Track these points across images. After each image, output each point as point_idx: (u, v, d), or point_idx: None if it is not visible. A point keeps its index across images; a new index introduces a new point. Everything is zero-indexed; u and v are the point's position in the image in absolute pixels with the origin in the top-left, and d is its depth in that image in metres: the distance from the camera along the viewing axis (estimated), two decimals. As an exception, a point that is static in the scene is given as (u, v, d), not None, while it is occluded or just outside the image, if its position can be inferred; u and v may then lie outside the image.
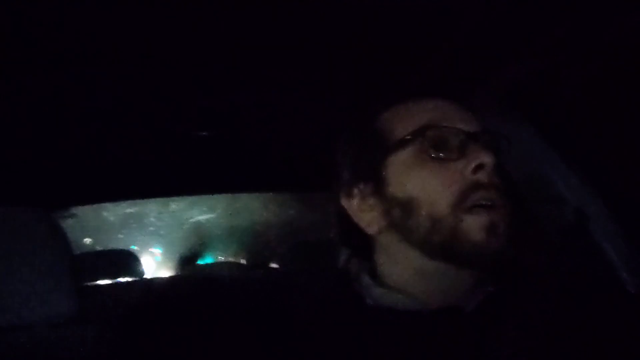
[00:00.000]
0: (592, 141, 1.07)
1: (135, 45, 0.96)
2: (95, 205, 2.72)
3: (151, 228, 3.36)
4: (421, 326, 0.68)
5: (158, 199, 2.98)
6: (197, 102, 1.27)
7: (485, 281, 0.71)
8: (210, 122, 1.42)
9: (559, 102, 1.09)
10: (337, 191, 0.78)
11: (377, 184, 0.74)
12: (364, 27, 0.93)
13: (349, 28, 0.93)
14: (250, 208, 3.29)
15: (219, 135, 1.53)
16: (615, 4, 0.83)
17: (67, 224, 2.02)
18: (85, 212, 2.74)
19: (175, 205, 3.27)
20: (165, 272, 3.69)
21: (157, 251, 3.59)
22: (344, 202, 0.77)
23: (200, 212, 3.37)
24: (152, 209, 3.22)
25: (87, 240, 3.03)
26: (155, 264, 3.63)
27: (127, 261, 2.30)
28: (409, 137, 0.72)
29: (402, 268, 0.73)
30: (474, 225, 0.66)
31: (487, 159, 0.68)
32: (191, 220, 3.38)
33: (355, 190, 0.76)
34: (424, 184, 0.69)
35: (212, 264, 3.41)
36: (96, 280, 2.11)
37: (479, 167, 0.68)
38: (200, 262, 3.46)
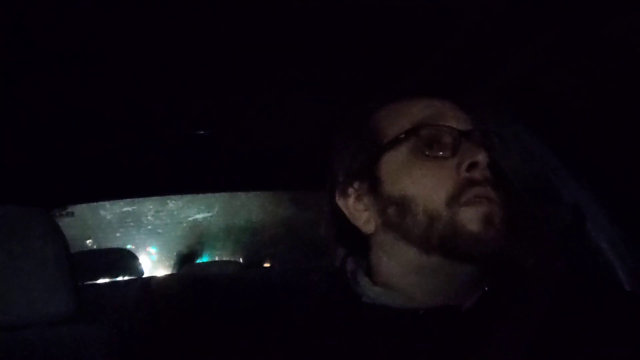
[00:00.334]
0: (591, 141, 1.07)
1: (133, 45, 0.96)
2: (93, 204, 2.72)
3: (149, 227, 3.36)
4: (418, 324, 0.68)
5: (155, 198, 2.98)
6: (195, 101, 1.27)
7: (483, 280, 0.71)
8: (208, 121, 1.42)
9: (558, 102, 1.10)
10: (333, 190, 0.79)
11: (371, 182, 0.74)
12: (362, 28, 0.93)
13: (347, 28, 0.93)
14: (248, 207, 3.29)
15: (216, 134, 1.53)
16: (615, 3, 0.84)
17: (65, 223, 2.02)
18: (83, 210, 2.74)
19: (173, 204, 3.27)
20: (163, 271, 3.69)
21: (155, 250, 3.59)
22: (339, 201, 0.77)
23: (198, 211, 3.37)
24: (149, 208, 3.22)
25: (89, 242, 3.03)
26: (152, 263, 3.63)
27: (125, 260, 2.30)
28: (402, 136, 0.72)
29: (398, 266, 0.73)
30: (470, 216, 0.67)
31: (480, 156, 0.68)
32: (189, 218, 3.38)
33: (350, 190, 0.76)
34: (419, 182, 0.70)
35: (209, 262, 3.41)
36: (94, 279, 2.11)
37: (473, 165, 0.68)
38: (197, 260, 3.46)
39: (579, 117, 1.08)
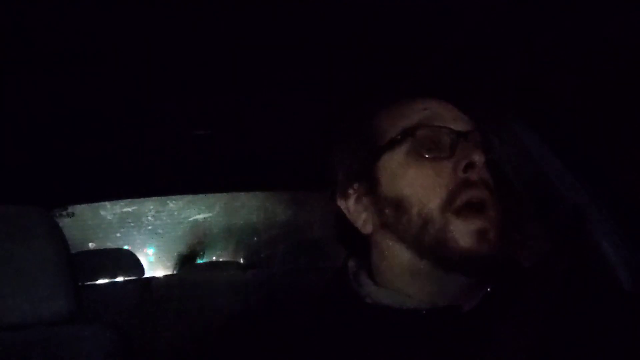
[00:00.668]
0: (591, 141, 1.07)
1: (133, 45, 0.96)
2: (93, 205, 2.72)
3: (149, 227, 3.36)
4: (419, 325, 0.68)
5: (156, 198, 2.98)
6: (195, 101, 1.27)
7: (484, 281, 0.71)
8: (208, 121, 1.42)
9: (558, 102, 1.10)
10: (333, 191, 0.79)
11: (370, 184, 0.74)
12: (362, 28, 0.93)
13: (347, 28, 0.93)
14: (248, 207, 3.29)
15: (217, 134, 1.53)
16: (615, 3, 0.84)
17: (65, 223, 2.02)
18: (83, 211, 2.74)
19: (173, 204, 3.27)
20: (163, 271, 3.69)
21: (155, 250, 3.59)
22: (340, 202, 0.78)
23: (198, 211, 3.37)
24: (149, 208, 3.22)
25: (91, 245, 3.03)
26: (153, 263, 3.63)
27: (126, 260, 2.30)
28: (399, 137, 0.72)
29: (396, 267, 0.73)
30: (462, 231, 0.66)
31: (477, 157, 0.68)
32: (189, 219, 3.38)
33: (350, 191, 0.77)
34: (415, 183, 0.70)
35: (209, 262, 3.41)
36: (94, 279, 2.11)
37: (469, 166, 0.68)
38: (198, 260, 3.46)
39: (579, 117, 1.08)
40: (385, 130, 0.74)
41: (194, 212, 3.36)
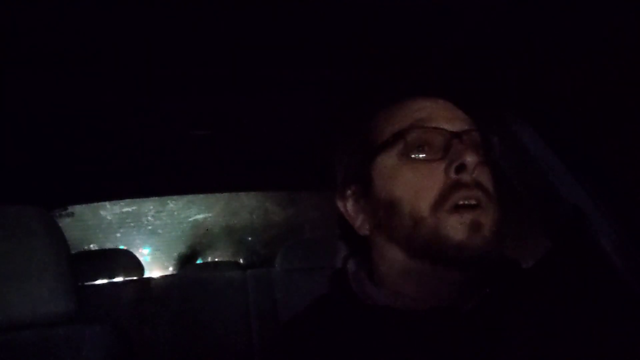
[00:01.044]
0: (591, 141, 1.07)
1: (133, 44, 0.96)
2: (93, 205, 2.72)
3: (149, 227, 3.36)
4: (418, 326, 0.68)
5: (156, 198, 2.98)
6: (195, 101, 1.27)
7: (484, 281, 0.71)
8: (207, 121, 1.42)
9: (558, 102, 1.10)
10: (334, 193, 0.79)
11: (366, 185, 0.74)
12: (362, 28, 0.93)
13: (347, 28, 0.93)
14: (248, 207, 3.29)
15: (216, 134, 1.53)
16: (615, 3, 0.84)
17: (65, 223, 2.02)
18: (83, 211, 2.74)
19: (173, 204, 3.27)
20: (163, 271, 3.69)
21: (155, 250, 3.59)
22: (339, 204, 0.78)
23: (198, 211, 3.36)
24: (149, 208, 3.22)
25: (91, 245, 3.03)
26: (153, 263, 3.62)
27: (125, 260, 2.30)
28: (391, 139, 0.72)
29: (393, 268, 0.73)
30: (455, 224, 0.66)
31: (469, 158, 0.67)
32: (189, 219, 3.38)
33: (349, 192, 0.77)
34: (406, 184, 0.70)
35: (209, 263, 3.41)
36: (94, 279, 2.11)
37: (461, 167, 0.68)
38: (198, 260, 3.46)
39: (579, 117, 1.08)
40: (380, 132, 0.75)
41: (194, 212, 3.36)
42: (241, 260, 3.49)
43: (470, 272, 0.69)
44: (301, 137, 1.57)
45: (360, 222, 0.76)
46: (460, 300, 0.69)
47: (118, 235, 3.26)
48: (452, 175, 0.68)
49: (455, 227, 0.66)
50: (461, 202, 0.66)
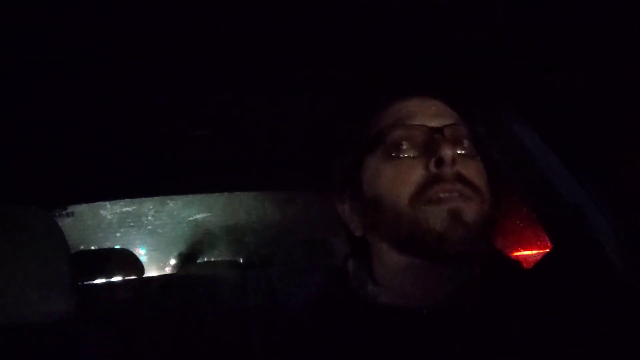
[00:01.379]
0: (591, 141, 1.07)
1: (133, 44, 0.96)
2: (93, 204, 2.72)
3: (149, 227, 3.35)
4: (418, 325, 0.68)
5: (155, 198, 2.97)
6: (195, 101, 1.27)
7: (484, 280, 0.71)
8: (207, 121, 1.42)
9: (558, 101, 1.10)
10: (332, 196, 0.80)
11: (357, 187, 0.75)
12: (362, 28, 0.93)
13: (347, 28, 0.93)
14: (248, 207, 3.28)
15: (216, 134, 1.53)
16: (615, 4, 0.84)
17: (66, 223, 2.01)
18: (83, 211, 2.73)
19: (173, 204, 3.26)
20: (163, 271, 3.69)
21: (155, 250, 3.58)
22: (337, 206, 0.79)
23: (198, 211, 3.36)
24: (149, 208, 3.21)
25: (91, 245, 3.02)
26: (152, 263, 3.62)
27: (125, 260, 2.30)
28: (373, 140, 0.73)
29: (388, 266, 0.74)
30: (434, 213, 0.67)
31: (447, 151, 0.68)
32: (188, 219, 3.37)
33: (345, 195, 0.78)
34: (387, 182, 0.71)
35: (209, 262, 3.40)
36: (94, 279, 2.11)
37: (440, 161, 0.68)
38: (197, 260, 3.45)
39: (579, 117, 1.08)
40: (365, 134, 0.76)
41: (194, 211, 3.35)
42: (241, 260, 3.48)
43: (458, 264, 0.69)
44: (301, 137, 1.57)
45: (355, 224, 0.77)
46: (460, 299, 0.70)
47: (118, 235, 3.25)
48: (432, 169, 0.68)
49: (435, 217, 0.66)
50: (441, 196, 0.67)
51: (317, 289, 0.83)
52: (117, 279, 2.19)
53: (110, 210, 3.03)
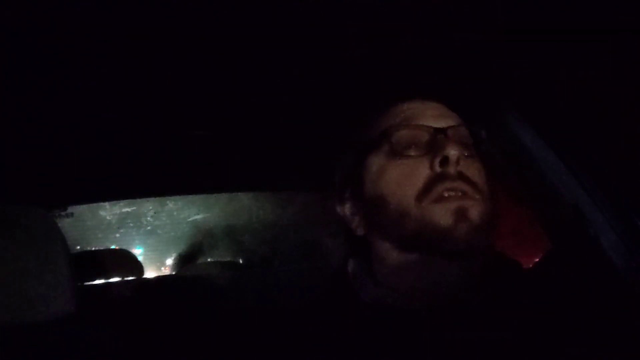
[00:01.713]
0: (591, 141, 1.07)
1: (133, 44, 0.96)
2: (93, 205, 2.72)
3: (148, 227, 3.35)
4: (418, 325, 0.68)
5: (155, 198, 2.97)
6: (195, 101, 1.27)
7: (484, 279, 0.71)
8: (207, 121, 1.42)
9: (558, 101, 1.10)
10: (333, 196, 0.81)
11: (359, 186, 0.75)
12: (362, 27, 0.93)
13: (347, 28, 0.93)
14: (248, 207, 3.27)
15: (216, 134, 1.53)
16: (615, 4, 0.84)
17: (66, 223, 2.01)
18: (83, 211, 2.73)
19: (172, 204, 3.26)
20: (162, 272, 3.68)
21: (154, 250, 3.58)
22: (338, 207, 0.79)
23: (198, 212, 3.35)
24: (149, 208, 3.21)
25: (91, 245, 3.02)
26: (152, 263, 3.62)
27: (125, 260, 2.30)
28: (378, 139, 0.73)
29: (389, 265, 0.74)
30: (441, 211, 0.67)
31: (452, 151, 0.69)
32: (188, 219, 3.37)
33: (346, 194, 0.78)
34: (392, 181, 0.71)
35: (209, 262, 3.40)
36: (94, 280, 2.11)
37: (445, 161, 0.69)
38: (197, 261, 3.44)
39: (579, 117, 1.08)
40: (369, 134, 0.76)
41: (193, 212, 3.34)
42: (240, 261, 3.48)
43: (461, 262, 0.69)
44: (301, 137, 1.57)
45: (356, 223, 0.78)
46: (461, 299, 0.70)
47: (117, 235, 3.25)
48: (437, 168, 0.69)
49: (441, 214, 0.67)
50: (445, 194, 0.67)
51: (317, 290, 0.83)
52: (116, 279, 2.19)
53: (109, 211, 3.03)
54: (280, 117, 1.42)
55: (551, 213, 1.13)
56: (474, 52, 1.02)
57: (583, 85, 1.04)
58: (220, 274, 2.58)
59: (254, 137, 1.58)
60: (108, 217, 3.11)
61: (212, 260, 3.45)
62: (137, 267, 2.33)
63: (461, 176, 0.69)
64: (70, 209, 2.06)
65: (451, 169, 0.69)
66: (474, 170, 0.72)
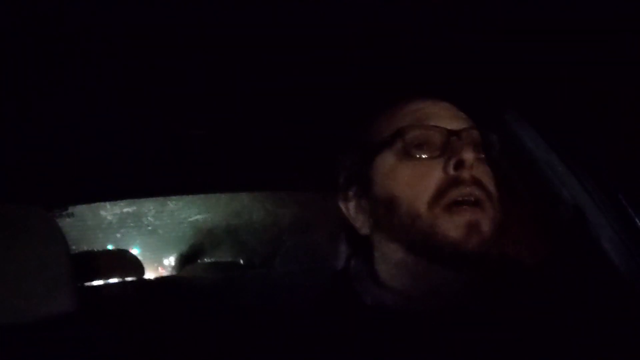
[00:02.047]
0: (591, 140, 1.07)
1: (133, 44, 0.96)
2: (93, 205, 2.72)
3: (149, 227, 3.35)
4: (419, 327, 0.68)
5: (156, 198, 2.97)
6: (195, 101, 1.27)
7: (485, 281, 0.71)
8: (207, 121, 1.42)
9: (558, 101, 1.10)
10: (336, 194, 0.80)
11: (366, 185, 0.75)
12: (362, 27, 0.93)
13: (347, 28, 0.93)
14: (248, 207, 3.27)
15: (217, 134, 1.53)
16: (615, 4, 0.84)
17: (66, 223, 2.01)
18: (83, 211, 2.73)
19: (173, 204, 3.26)
20: (163, 272, 3.69)
21: (155, 250, 3.58)
22: (341, 204, 0.79)
23: (198, 212, 3.35)
24: (149, 208, 3.21)
25: (91, 245, 3.02)
26: (152, 264, 3.62)
27: (125, 260, 2.30)
28: (389, 138, 0.73)
29: (393, 268, 0.74)
30: (452, 223, 0.67)
31: (467, 155, 0.68)
32: (189, 219, 3.37)
33: (350, 193, 0.78)
34: (404, 183, 0.70)
35: (210, 263, 3.40)
36: (94, 280, 2.11)
37: (459, 164, 0.68)
38: (198, 261, 3.45)
39: (579, 117, 1.07)
40: (379, 132, 0.75)
41: (194, 212, 3.34)
42: (241, 261, 3.48)
43: (469, 272, 0.69)
44: (301, 137, 1.57)
45: (361, 222, 0.77)
46: (462, 300, 0.70)
47: (118, 235, 3.25)
48: (451, 172, 0.68)
49: (452, 227, 0.66)
50: (459, 199, 0.67)
51: (318, 291, 0.82)
52: (117, 279, 2.19)
53: (110, 211, 3.03)
54: (280, 117, 1.42)
55: (551, 213, 1.13)
56: (474, 52, 1.02)
57: (583, 85, 1.04)
58: (220, 274, 2.58)
59: (253, 137, 1.58)
60: (108, 217, 3.12)
61: (213, 260, 3.45)
62: (138, 267, 2.33)
63: (475, 181, 0.69)
64: (70, 209, 2.06)
65: (465, 173, 0.68)
66: (485, 175, 0.71)
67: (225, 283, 2.22)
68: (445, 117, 0.73)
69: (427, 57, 1.04)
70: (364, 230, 0.77)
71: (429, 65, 1.06)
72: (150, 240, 3.47)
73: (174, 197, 3.07)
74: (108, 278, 2.17)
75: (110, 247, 3.22)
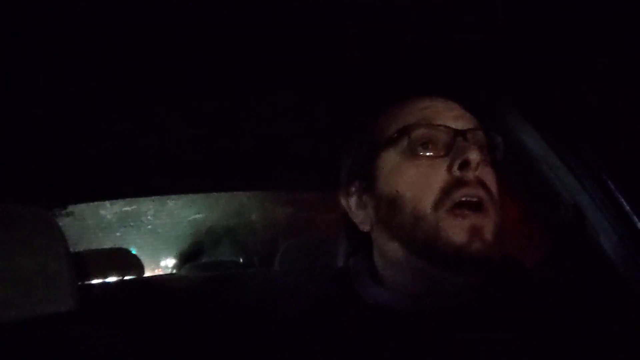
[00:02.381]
0: (591, 140, 1.07)
1: (133, 44, 0.96)
2: (93, 204, 2.72)
3: (149, 226, 3.35)
4: (419, 326, 0.68)
5: (155, 198, 2.97)
6: (195, 101, 1.27)
7: (485, 281, 0.71)
8: (207, 121, 1.42)
9: (559, 101, 1.10)
10: (337, 190, 0.79)
11: (369, 182, 0.75)
12: (362, 27, 0.93)
13: (348, 28, 0.93)
14: (248, 207, 3.28)
15: (216, 133, 1.53)
16: (615, 4, 0.84)
17: (66, 223, 2.01)
18: (83, 210, 2.73)
19: (173, 203, 3.26)
20: (162, 271, 3.69)
21: (154, 249, 3.58)
22: (343, 200, 0.78)
23: (198, 211, 3.35)
24: (149, 208, 3.21)
25: (91, 244, 3.02)
26: (152, 263, 3.62)
27: (125, 259, 2.30)
28: (396, 136, 0.72)
29: (393, 265, 0.73)
30: (456, 227, 0.66)
31: (472, 155, 0.68)
32: (188, 218, 3.37)
33: (352, 189, 0.77)
34: (409, 181, 0.70)
35: (209, 262, 3.40)
36: (94, 279, 2.11)
37: (464, 164, 0.68)
38: (197, 260, 3.45)
39: (579, 117, 1.07)
40: (385, 129, 0.75)
41: (194, 211, 3.35)
42: (241, 260, 3.48)
43: (469, 275, 0.69)
44: (302, 136, 1.57)
45: (362, 218, 0.77)
46: (462, 300, 0.69)
47: (118, 234, 3.25)
48: (455, 172, 0.68)
49: (455, 231, 0.66)
50: (463, 199, 0.67)
51: (318, 290, 0.82)
52: (116, 278, 2.19)
53: (110, 210, 3.03)
54: (280, 117, 1.42)
55: (551, 213, 1.13)
56: (474, 52, 1.02)
57: (583, 85, 1.04)
58: (219, 273, 2.58)
59: (253, 136, 1.58)
60: (108, 216, 3.12)
61: (212, 259, 3.46)
62: (137, 266, 2.33)
63: (480, 182, 0.69)
64: (70, 208, 2.06)
65: (470, 174, 0.68)
66: (489, 176, 0.71)
67: (225, 282, 2.22)
68: (451, 117, 0.73)
69: (427, 57, 1.04)
70: (365, 226, 0.77)
71: (430, 65, 1.06)
72: (150, 239, 3.47)
73: (173, 197, 3.07)
74: (107, 277, 2.17)
75: (109, 245, 3.22)
